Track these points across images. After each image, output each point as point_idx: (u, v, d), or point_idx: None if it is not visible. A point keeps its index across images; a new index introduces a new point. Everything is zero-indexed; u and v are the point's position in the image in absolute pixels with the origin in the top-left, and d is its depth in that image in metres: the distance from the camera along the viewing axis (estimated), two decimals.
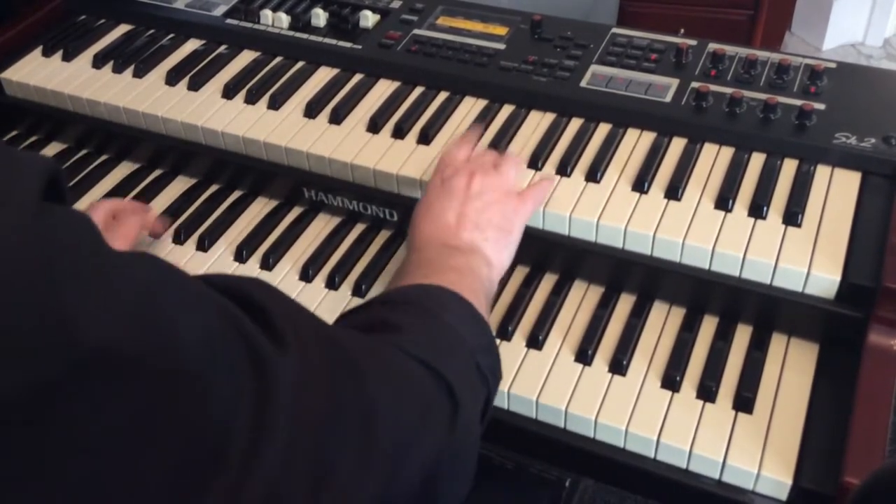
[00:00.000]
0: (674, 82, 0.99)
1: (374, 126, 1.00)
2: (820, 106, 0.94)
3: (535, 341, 0.85)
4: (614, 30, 1.08)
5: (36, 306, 0.35)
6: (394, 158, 0.96)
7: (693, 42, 1.04)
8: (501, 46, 1.07)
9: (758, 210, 0.86)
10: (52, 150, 1.14)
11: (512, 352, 0.85)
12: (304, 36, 1.12)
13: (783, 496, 0.74)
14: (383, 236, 0.98)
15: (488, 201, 0.81)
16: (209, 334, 0.43)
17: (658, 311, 0.88)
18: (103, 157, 1.12)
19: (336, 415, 0.50)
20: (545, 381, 0.82)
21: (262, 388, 0.45)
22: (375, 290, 0.91)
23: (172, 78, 1.09)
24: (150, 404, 0.39)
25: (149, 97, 1.07)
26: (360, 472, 0.51)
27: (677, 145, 0.95)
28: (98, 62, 1.12)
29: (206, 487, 0.41)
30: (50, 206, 0.38)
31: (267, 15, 1.14)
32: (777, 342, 0.84)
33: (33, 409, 0.35)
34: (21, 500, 0.36)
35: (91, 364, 0.37)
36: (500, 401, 0.82)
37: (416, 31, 1.10)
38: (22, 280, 0.35)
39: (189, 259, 0.97)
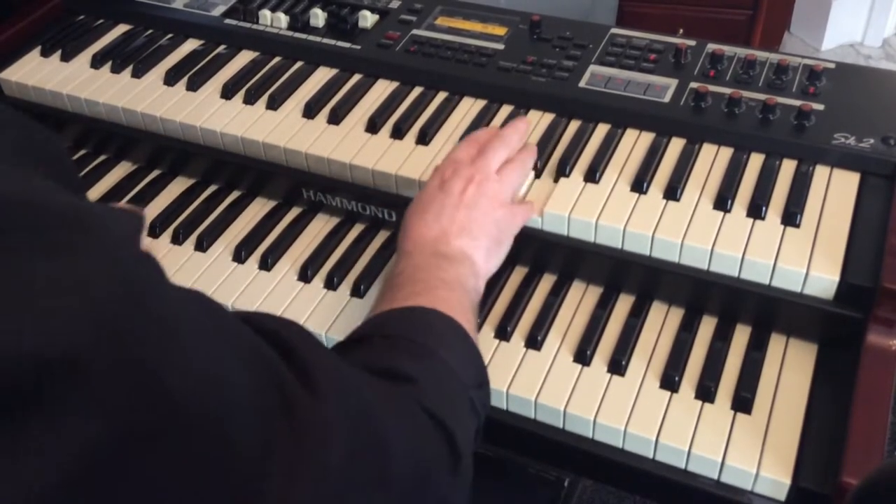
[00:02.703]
0: (673, 82, 0.99)
1: (373, 126, 1.00)
2: (819, 106, 0.94)
3: (534, 341, 0.85)
4: (613, 30, 1.08)
5: (126, 363, 0.36)
6: (392, 159, 0.96)
7: (692, 42, 1.04)
8: (500, 47, 1.07)
9: (757, 210, 0.86)
10: None
11: (511, 352, 0.85)
12: (303, 36, 1.12)
13: (782, 496, 0.74)
14: (382, 236, 0.98)
15: (484, 210, 0.81)
16: (248, 381, 0.45)
17: (657, 311, 0.88)
18: (102, 158, 1.12)
19: (357, 466, 0.51)
20: (544, 381, 0.82)
21: (295, 434, 0.46)
22: (374, 291, 0.91)
23: (171, 78, 1.09)
24: (194, 460, 0.40)
25: (147, 97, 1.07)
26: None
27: (676, 145, 0.95)
28: (96, 62, 1.12)
29: None
30: (142, 262, 0.40)
31: (266, 15, 1.14)
32: (776, 342, 0.84)
33: (102, 464, 0.35)
34: None
35: (156, 419, 0.38)
36: (499, 401, 0.82)
37: (415, 32, 1.10)
38: (118, 340, 0.36)
39: (187, 259, 0.97)
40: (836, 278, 0.80)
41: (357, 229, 0.99)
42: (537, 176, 0.92)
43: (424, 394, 0.62)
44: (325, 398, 0.49)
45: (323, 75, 1.09)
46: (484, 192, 0.82)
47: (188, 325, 0.42)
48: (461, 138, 0.96)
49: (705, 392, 0.80)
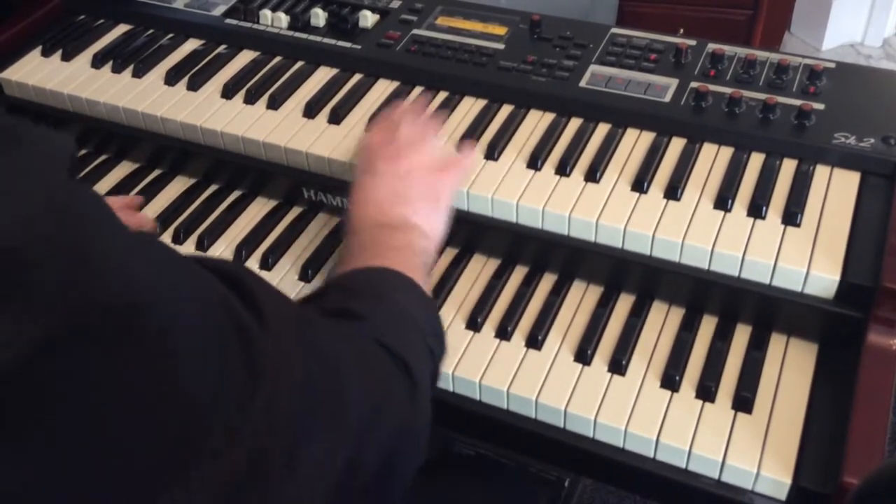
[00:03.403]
0: (673, 82, 0.99)
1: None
2: (819, 106, 0.94)
3: (535, 341, 0.85)
4: (613, 30, 1.08)
5: (58, 267, 0.38)
6: None
7: (692, 42, 1.04)
8: (500, 46, 1.07)
9: (757, 210, 0.86)
10: None
11: (511, 351, 0.85)
12: (304, 36, 1.12)
13: (782, 496, 0.74)
14: None
15: (414, 177, 0.85)
16: (204, 313, 0.46)
17: (657, 310, 0.88)
18: (102, 157, 1.12)
19: (309, 391, 0.53)
20: (544, 380, 0.82)
21: (248, 361, 0.47)
22: None
23: (171, 78, 1.09)
24: (145, 367, 0.41)
25: (148, 97, 1.07)
26: (330, 443, 0.54)
27: (676, 145, 0.95)
28: (97, 62, 1.12)
29: (196, 452, 0.43)
30: (75, 182, 0.41)
31: (266, 15, 1.14)
32: (776, 342, 0.84)
33: (36, 361, 0.37)
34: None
35: (95, 325, 0.39)
36: (500, 400, 0.83)
37: (416, 31, 1.10)
38: (49, 244, 0.38)
39: None
40: (837, 278, 0.80)
41: None
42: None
43: (377, 328, 0.65)
44: (277, 331, 0.51)
45: (323, 75, 1.09)
46: (411, 163, 0.86)
47: (129, 240, 0.43)
48: (461, 139, 0.97)
49: (706, 392, 0.80)
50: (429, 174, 0.86)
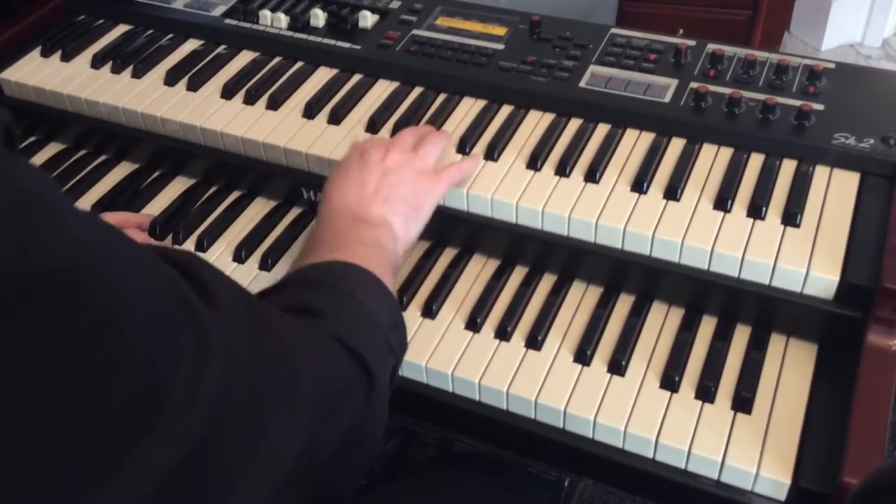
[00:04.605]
0: (673, 83, 0.99)
1: (373, 126, 1.00)
2: (819, 106, 0.94)
3: (534, 341, 0.85)
4: (613, 30, 1.08)
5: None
6: None
7: (692, 42, 1.04)
8: (500, 47, 1.07)
9: (757, 210, 0.86)
10: (50, 150, 1.14)
11: (511, 352, 0.85)
12: (303, 36, 1.12)
13: (782, 496, 0.74)
14: None
15: (401, 177, 0.84)
16: (150, 285, 0.46)
17: (657, 311, 0.88)
18: (102, 158, 1.12)
19: (263, 375, 0.53)
20: (544, 381, 0.82)
21: (199, 338, 0.47)
22: None
23: (171, 78, 1.09)
24: (93, 339, 0.41)
25: (147, 97, 1.07)
26: (286, 430, 0.54)
27: (676, 145, 0.95)
28: (97, 62, 1.12)
29: (149, 429, 0.43)
30: (9, 154, 0.41)
31: (266, 15, 1.14)
32: (776, 342, 0.84)
33: None
34: None
35: (43, 286, 0.38)
36: (499, 401, 0.83)
37: (415, 32, 1.10)
38: None
39: None
40: (836, 278, 0.80)
41: None
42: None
43: (334, 324, 0.65)
44: (227, 315, 0.51)
45: (323, 75, 1.09)
46: (401, 162, 0.85)
47: (75, 214, 0.43)
48: (460, 139, 0.97)
49: (705, 392, 0.80)
50: (417, 180, 0.85)
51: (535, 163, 0.93)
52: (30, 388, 0.38)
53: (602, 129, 0.98)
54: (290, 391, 0.55)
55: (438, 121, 1.00)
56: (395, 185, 0.83)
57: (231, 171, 1.05)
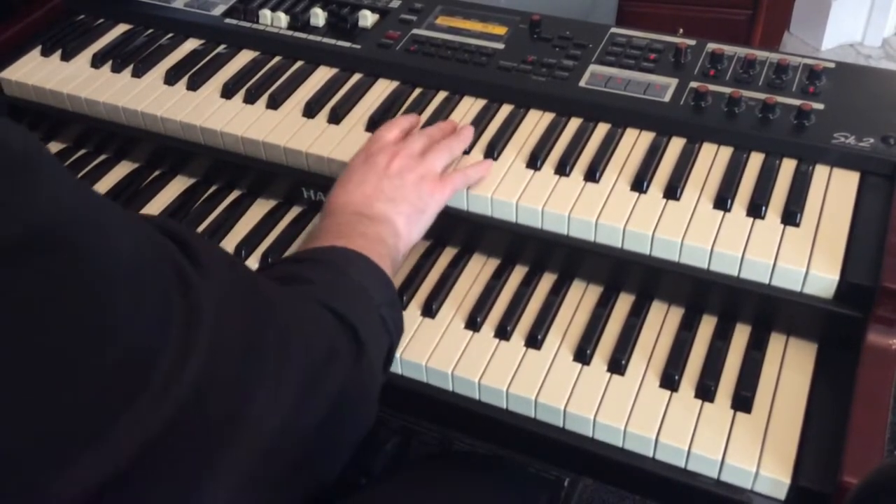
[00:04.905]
0: (673, 82, 0.99)
1: (374, 126, 1.00)
2: (819, 106, 0.94)
3: (534, 341, 0.85)
4: (613, 29, 1.08)
5: None
6: None
7: (692, 42, 1.04)
8: (500, 46, 1.07)
9: (756, 210, 0.86)
10: (50, 149, 1.14)
11: (511, 351, 0.85)
12: (303, 35, 1.12)
13: (781, 495, 0.74)
14: None
15: (406, 181, 0.85)
16: (141, 251, 0.46)
17: (657, 310, 0.88)
18: (102, 157, 1.12)
19: (252, 341, 0.53)
20: (544, 380, 0.82)
21: (188, 307, 0.47)
22: None
23: (171, 77, 1.09)
24: (79, 301, 0.40)
25: (147, 97, 1.07)
26: (273, 395, 0.53)
27: (676, 145, 0.95)
28: (97, 62, 1.12)
29: (131, 397, 0.42)
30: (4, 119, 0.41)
31: (266, 14, 1.14)
32: (776, 342, 0.84)
33: None
34: None
35: (29, 244, 0.38)
36: (499, 400, 0.83)
37: (416, 31, 1.10)
38: None
39: None
40: (836, 277, 0.80)
41: None
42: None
43: (323, 291, 0.65)
44: (217, 279, 0.51)
45: (323, 75, 1.09)
46: (407, 166, 0.86)
47: (66, 176, 0.43)
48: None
49: (705, 391, 0.80)
50: (423, 183, 0.86)
51: (535, 162, 0.93)
52: (10, 347, 0.37)
53: (602, 129, 0.98)
54: (277, 356, 0.55)
55: (438, 120, 1.00)
56: (399, 186, 0.84)
57: (231, 171, 1.05)
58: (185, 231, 0.54)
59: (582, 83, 1.00)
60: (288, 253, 0.96)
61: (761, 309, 0.85)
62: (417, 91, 1.05)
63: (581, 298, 0.90)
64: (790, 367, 0.82)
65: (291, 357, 0.56)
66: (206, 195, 1.05)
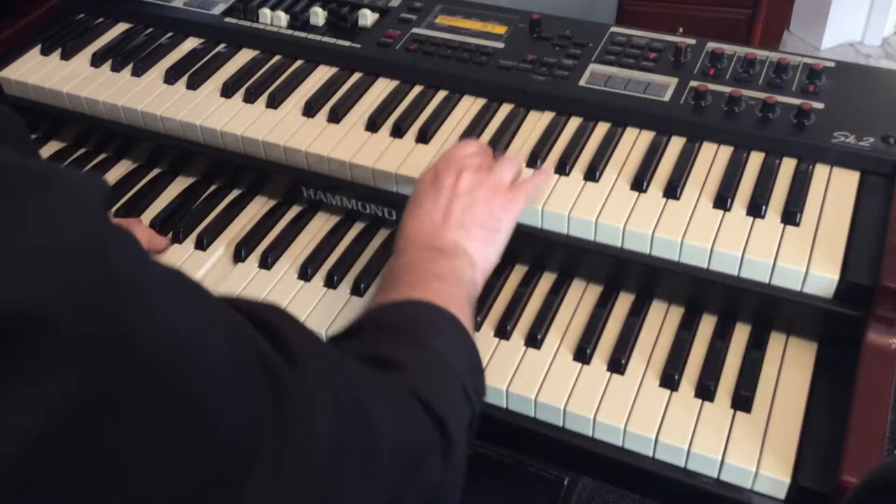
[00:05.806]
0: (672, 81, 0.99)
1: (373, 125, 1.00)
2: (818, 105, 0.94)
3: (534, 340, 0.85)
4: (613, 29, 1.08)
5: (89, 330, 0.36)
6: (392, 157, 0.96)
7: (692, 41, 1.04)
8: (500, 45, 1.07)
9: (756, 209, 0.86)
10: (50, 148, 1.14)
11: (510, 351, 0.85)
12: (303, 35, 1.12)
13: (781, 495, 0.74)
14: (382, 235, 0.98)
15: (476, 198, 0.81)
16: (233, 355, 0.45)
17: (657, 310, 0.88)
18: (102, 156, 1.12)
19: (342, 436, 0.51)
20: (544, 379, 0.82)
21: (278, 406, 0.46)
22: (374, 289, 0.91)
23: (171, 76, 1.09)
24: (181, 421, 0.40)
25: (147, 96, 1.07)
26: (362, 492, 0.52)
27: (676, 144, 0.95)
28: (96, 61, 1.12)
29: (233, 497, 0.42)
30: (106, 226, 0.39)
31: (265, 13, 1.14)
32: (775, 341, 0.84)
33: (75, 424, 0.35)
34: None
35: (138, 379, 0.38)
36: (499, 399, 0.83)
37: (415, 30, 1.10)
38: (81, 305, 0.36)
39: (187, 258, 0.97)
40: (836, 277, 0.80)
41: (357, 228, 0.99)
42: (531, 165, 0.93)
43: (414, 380, 0.62)
44: (308, 374, 0.49)
45: (323, 74, 1.09)
46: (475, 182, 0.81)
47: (163, 291, 0.41)
48: (460, 137, 0.97)
49: (705, 391, 0.80)
50: (493, 199, 0.81)
51: (535, 161, 0.93)
52: (124, 476, 0.38)
53: (602, 128, 0.98)
54: (368, 451, 0.53)
55: (438, 120, 1.00)
56: (469, 207, 0.80)
57: (231, 170, 1.05)
58: (277, 318, 0.52)
59: (582, 82, 1.00)
60: (289, 258, 0.96)
61: (761, 308, 0.85)
62: (417, 90, 1.05)
63: (581, 298, 0.90)
64: (790, 367, 0.82)
65: (382, 453, 0.54)
66: (205, 194, 1.05)
